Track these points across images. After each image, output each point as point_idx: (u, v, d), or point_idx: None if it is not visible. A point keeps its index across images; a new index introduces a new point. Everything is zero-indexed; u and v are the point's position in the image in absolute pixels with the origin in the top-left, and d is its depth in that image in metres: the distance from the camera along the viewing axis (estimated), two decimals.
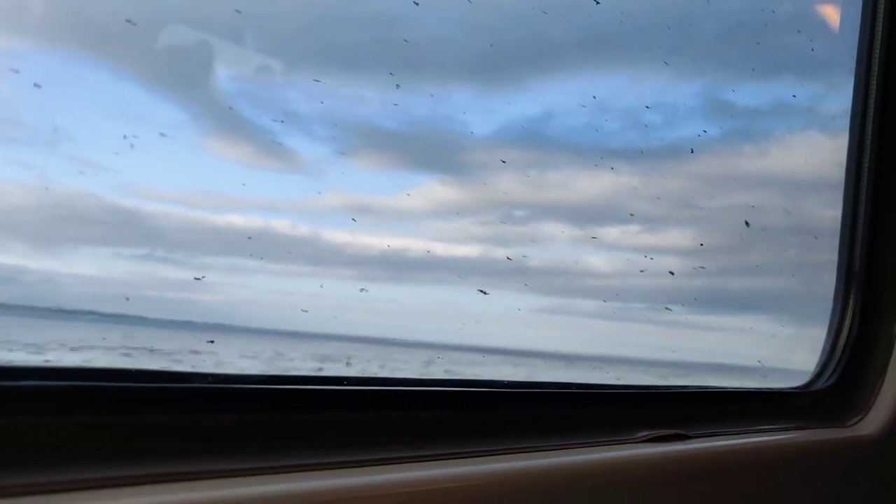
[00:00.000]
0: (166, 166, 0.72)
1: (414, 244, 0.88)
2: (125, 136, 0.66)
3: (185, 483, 0.52)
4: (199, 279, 0.65)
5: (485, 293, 0.83)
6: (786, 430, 1.03)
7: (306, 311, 0.70)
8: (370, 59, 0.84)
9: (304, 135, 0.81)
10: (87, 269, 0.74)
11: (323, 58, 0.82)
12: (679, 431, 0.86)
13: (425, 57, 0.87)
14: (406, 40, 0.84)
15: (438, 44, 0.89)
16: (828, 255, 1.23)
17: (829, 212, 1.24)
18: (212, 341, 0.64)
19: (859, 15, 1.23)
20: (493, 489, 0.65)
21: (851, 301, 1.18)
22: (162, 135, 0.67)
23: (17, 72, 0.60)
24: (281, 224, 0.84)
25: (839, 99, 1.24)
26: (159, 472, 0.52)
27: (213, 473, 0.54)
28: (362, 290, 0.75)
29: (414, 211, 0.89)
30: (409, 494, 0.60)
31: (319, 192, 0.85)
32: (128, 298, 0.63)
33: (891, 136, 1.19)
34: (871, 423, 1.09)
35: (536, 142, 0.98)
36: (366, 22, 0.85)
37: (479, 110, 0.92)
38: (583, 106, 1.01)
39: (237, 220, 0.82)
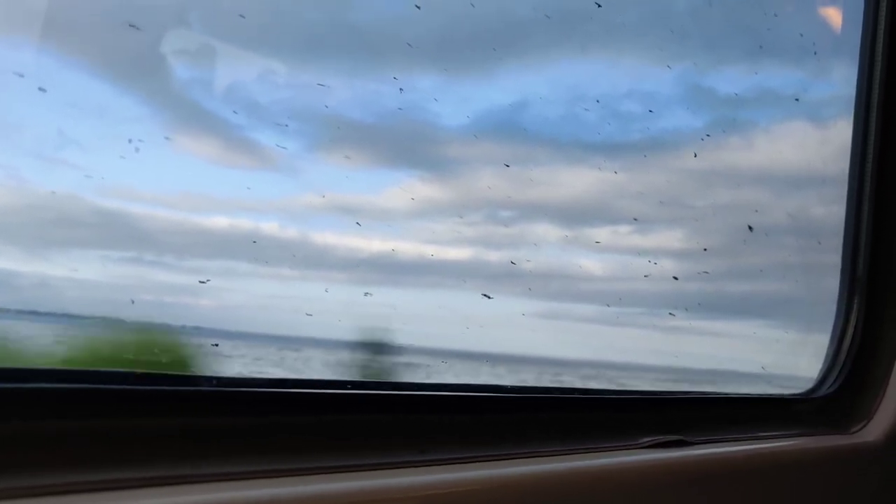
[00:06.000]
0: (138, 164, 0.72)
1: (403, 246, 0.89)
2: (89, 133, 0.66)
3: (188, 486, 0.54)
4: (203, 282, 0.67)
5: (489, 297, 0.85)
6: (789, 436, 1.07)
7: (310, 315, 0.73)
8: (325, 43, 0.83)
9: (272, 128, 0.81)
10: (80, 272, 0.75)
11: (274, 41, 0.81)
12: (681, 437, 0.89)
13: (384, 39, 0.86)
14: (361, 21, 0.83)
15: (396, 24, 0.87)
16: (833, 257, 1.26)
17: (832, 210, 1.26)
18: (216, 344, 0.66)
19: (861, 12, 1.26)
20: (496, 494, 0.68)
21: (855, 306, 1.22)
22: (167, 138, 0.69)
23: None
24: (269, 226, 0.85)
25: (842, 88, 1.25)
26: (163, 475, 0.54)
27: (216, 476, 0.56)
28: (367, 294, 0.77)
29: (398, 210, 0.90)
30: (411, 499, 0.62)
31: (299, 191, 0.85)
32: (133, 302, 0.65)
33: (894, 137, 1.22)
34: (874, 430, 1.13)
35: (513, 134, 0.97)
36: (315, 3, 0.84)
37: (450, 99, 0.91)
38: (558, 94, 1.00)
39: (223, 221, 0.83)
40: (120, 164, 0.71)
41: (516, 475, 0.70)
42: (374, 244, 0.87)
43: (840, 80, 1.29)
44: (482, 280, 0.92)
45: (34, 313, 0.70)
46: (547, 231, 1.03)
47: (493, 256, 0.98)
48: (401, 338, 0.87)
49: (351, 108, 0.86)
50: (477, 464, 0.70)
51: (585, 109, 1.02)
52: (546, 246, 1.01)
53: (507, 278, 0.94)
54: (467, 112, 0.94)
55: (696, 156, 1.11)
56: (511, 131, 0.98)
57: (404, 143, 0.92)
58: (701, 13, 1.16)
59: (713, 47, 1.19)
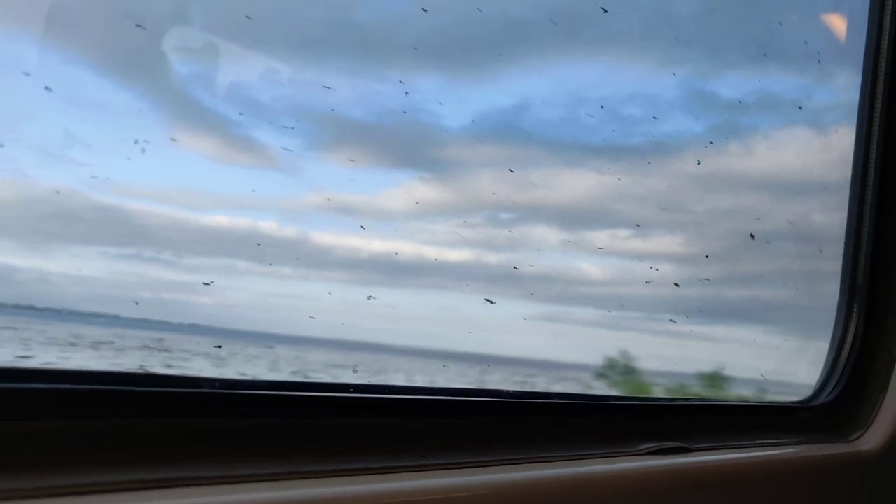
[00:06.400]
0: (140, 162, 0.72)
1: (404, 247, 0.89)
2: (92, 130, 0.66)
3: (188, 489, 0.54)
4: (206, 284, 0.67)
5: (491, 302, 0.85)
6: (788, 444, 1.08)
7: (314, 318, 0.73)
8: (328, 44, 0.84)
9: (273, 127, 0.81)
10: (80, 268, 0.75)
11: (276, 41, 0.82)
12: (681, 444, 0.90)
13: (386, 40, 0.86)
14: (364, 21, 0.84)
15: (397, 25, 0.88)
16: (833, 265, 1.26)
17: (834, 217, 1.27)
18: (219, 346, 0.66)
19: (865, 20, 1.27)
20: (496, 499, 0.68)
21: (855, 315, 1.23)
22: (173, 139, 0.69)
23: None
24: (269, 225, 0.85)
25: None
26: (163, 477, 0.54)
27: (216, 479, 0.56)
28: (370, 297, 0.77)
29: (398, 211, 0.90)
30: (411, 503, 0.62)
31: (300, 191, 0.86)
32: (137, 303, 0.65)
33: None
34: (872, 438, 1.14)
35: (513, 136, 0.98)
36: (318, 2, 0.85)
37: (450, 100, 0.91)
38: (560, 97, 1.00)
39: (222, 219, 0.83)
40: (123, 162, 0.71)
41: (516, 480, 0.71)
42: (374, 245, 0.87)
43: (843, 87, 1.30)
44: (483, 282, 0.92)
45: (32, 308, 0.70)
46: (548, 234, 1.03)
47: (494, 259, 0.98)
48: (402, 339, 0.87)
49: (353, 108, 0.86)
50: (477, 469, 0.70)
51: (590, 115, 1.03)
52: (547, 249, 1.02)
53: (508, 281, 0.95)
54: (469, 113, 0.95)
55: (699, 163, 1.11)
56: (512, 133, 0.98)
57: (405, 144, 0.92)
58: (704, 19, 1.16)
59: (716, 53, 1.19)
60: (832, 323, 1.24)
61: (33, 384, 0.53)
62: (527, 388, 0.92)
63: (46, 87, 0.60)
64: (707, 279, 1.11)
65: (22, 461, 0.50)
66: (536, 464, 0.75)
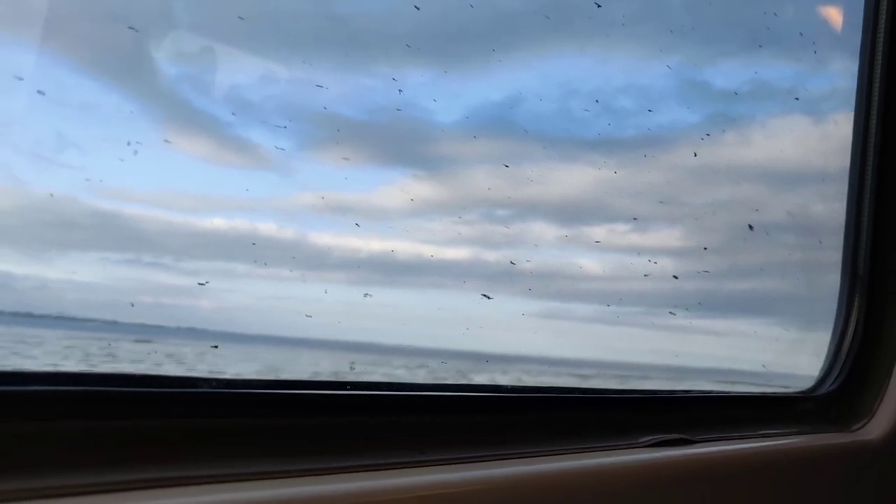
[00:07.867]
0: (132, 163, 0.72)
1: (401, 246, 0.90)
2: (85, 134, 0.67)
3: (186, 487, 0.55)
4: (202, 284, 0.68)
5: (489, 298, 0.86)
6: (790, 434, 1.08)
7: (310, 317, 0.73)
8: (318, 40, 0.84)
9: (265, 127, 0.82)
10: (79, 275, 0.76)
11: (266, 40, 0.82)
12: (683, 436, 0.90)
13: (372, 34, 0.87)
14: (349, 15, 0.84)
15: (388, 20, 0.88)
16: (833, 256, 1.27)
17: (833, 207, 1.27)
18: (216, 346, 0.67)
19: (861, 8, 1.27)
20: (497, 494, 0.69)
21: (856, 305, 1.23)
22: (167, 141, 0.69)
23: None
24: (266, 227, 0.86)
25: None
26: (161, 477, 0.55)
27: (216, 478, 0.57)
28: (366, 294, 0.78)
29: (394, 209, 0.91)
30: (412, 500, 0.63)
31: (294, 190, 0.86)
32: (132, 304, 0.66)
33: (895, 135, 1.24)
34: (875, 428, 1.14)
35: (507, 130, 0.98)
36: None
37: (443, 95, 0.91)
38: (553, 90, 1.01)
39: (219, 222, 0.84)
40: (117, 165, 0.71)
41: (517, 475, 0.71)
42: (372, 244, 0.88)
43: (839, 74, 1.30)
44: (481, 280, 0.93)
45: (30, 315, 0.70)
46: (545, 230, 1.04)
47: (492, 256, 0.99)
48: (401, 339, 0.88)
49: (345, 105, 0.87)
50: (478, 464, 0.71)
51: (584, 109, 1.03)
52: (545, 245, 1.02)
53: (506, 278, 0.95)
54: (462, 109, 0.95)
55: (696, 155, 1.12)
56: (506, 128, 0.99)
57: (399, 141, 0.93)
58: (697, 7, 1.17)
59: (710, 42, 1.19)
60: (833, 314, 1.24)
61: (33, 386, 0.54)
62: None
63: (39, 91, 0.61)
64: (706, 272, 1.12)
65: (22, 462, 0.51)
66: (536, 458, 0.76)
